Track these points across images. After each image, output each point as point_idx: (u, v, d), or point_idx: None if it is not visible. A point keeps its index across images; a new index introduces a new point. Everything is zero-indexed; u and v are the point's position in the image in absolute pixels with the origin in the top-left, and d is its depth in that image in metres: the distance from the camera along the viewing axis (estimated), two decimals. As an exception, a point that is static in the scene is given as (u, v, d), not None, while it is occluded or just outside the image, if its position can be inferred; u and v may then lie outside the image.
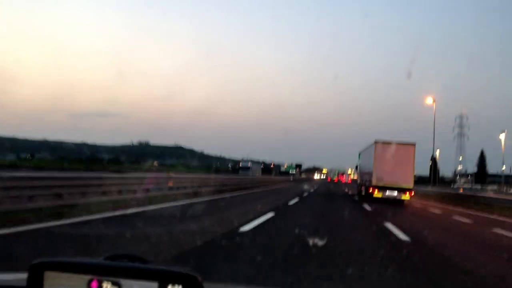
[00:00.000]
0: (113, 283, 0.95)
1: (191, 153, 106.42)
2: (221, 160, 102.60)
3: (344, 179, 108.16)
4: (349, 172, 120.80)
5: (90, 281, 0.96)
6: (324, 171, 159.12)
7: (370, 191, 22.70)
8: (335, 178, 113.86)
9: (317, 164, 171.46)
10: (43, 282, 0.97)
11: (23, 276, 1.03)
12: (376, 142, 22.73)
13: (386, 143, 22.64)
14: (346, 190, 39.74)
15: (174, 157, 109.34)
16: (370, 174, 23.40)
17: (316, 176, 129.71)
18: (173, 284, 0.92)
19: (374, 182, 22.45)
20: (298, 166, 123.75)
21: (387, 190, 22.22)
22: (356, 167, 35.02)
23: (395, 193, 22.27)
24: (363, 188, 27.72)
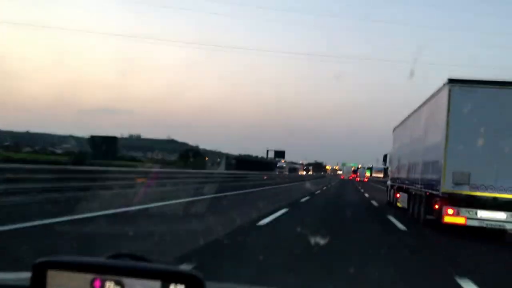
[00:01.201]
0: (116, 282, 0.94)
1: (185, 147, 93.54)
2: (216, 154, 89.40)
3: (358, 177, 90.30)
4: (354, 168, 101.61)
5: (93, 280, 0.94)
6: (328, 167, 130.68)
7: (437, 207, 9.01)
8: (350, 176, 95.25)
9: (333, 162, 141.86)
10: (46, 281, 0.96)
11: (26, 275, 1.04)
12: (452, 81, 8.93)
13: (478, 84, 8.85)
14: (367, 195, 26.14)
15: (166, 151, 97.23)
16: (432, 165, 9.84)
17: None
18: (176, 283, 0.91)
19: (446, 186, 8.76)
20: (280, 152, 73.94)
21: (484, 209, 8.48)
22: (385, 158, 20.64)
23: (503, 216, 8.55)
24: (399, 196, 14.25)
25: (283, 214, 10.78)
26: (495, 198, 8.62)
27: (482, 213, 8.70)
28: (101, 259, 1.01)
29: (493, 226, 8.76)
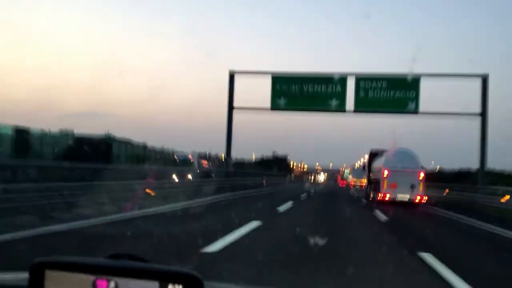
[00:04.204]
0: (113, 283, 0.95)
1: (125, 144, 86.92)
2: (162, 153, 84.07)
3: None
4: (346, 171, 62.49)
5: (90, 280, 0.96)
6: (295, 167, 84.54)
7: None
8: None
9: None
10: (44, 281, 0.98)
11: (24, 275, 1.06)
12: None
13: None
14: None
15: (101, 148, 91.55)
16: None
17: None
18: (174, 283, 0.92)
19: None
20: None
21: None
22: None
23: None
24: None
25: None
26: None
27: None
28: (98, 260, 1.02)
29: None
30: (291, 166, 73.31)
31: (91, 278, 0.95)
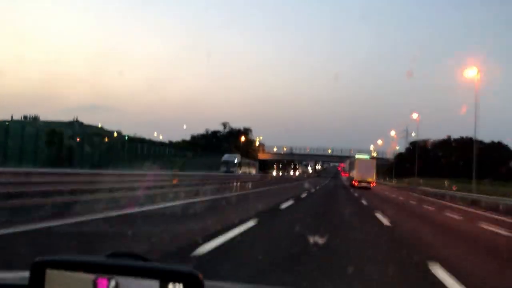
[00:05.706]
0: (114, 281, 0.95)
1: (95, 131, 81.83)
2: (147, 143, 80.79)
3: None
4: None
5: (91, 279, 0.97)
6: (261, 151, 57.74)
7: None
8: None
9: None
10: (45, 280, 0.99)
11: (24, 274, 1.06)
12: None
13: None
14: None
15: (68, 135, 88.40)
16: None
17: None
18: (174, 282, 0.92)
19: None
20: None
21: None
22: None
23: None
24: None
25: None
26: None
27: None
28: (99, 258, 1.03)
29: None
30: (252, 147, 49.25)
31: (92, 277, 0.96)
